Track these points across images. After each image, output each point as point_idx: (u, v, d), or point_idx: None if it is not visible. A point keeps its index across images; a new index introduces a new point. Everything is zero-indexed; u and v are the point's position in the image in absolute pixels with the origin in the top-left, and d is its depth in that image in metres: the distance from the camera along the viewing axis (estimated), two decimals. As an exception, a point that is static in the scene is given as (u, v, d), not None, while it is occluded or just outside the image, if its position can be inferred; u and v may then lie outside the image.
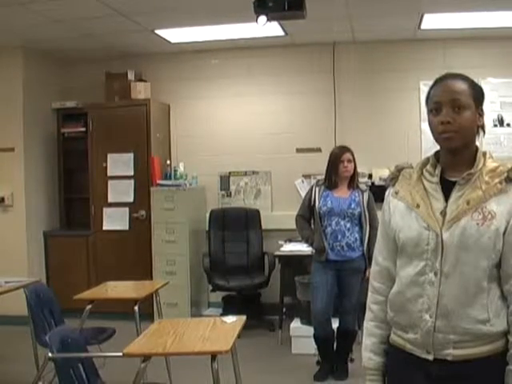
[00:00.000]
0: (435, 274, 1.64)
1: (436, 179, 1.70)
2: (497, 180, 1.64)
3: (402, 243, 1.72)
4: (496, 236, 1.61)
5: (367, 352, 1.84)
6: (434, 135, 1.69)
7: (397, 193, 1.78)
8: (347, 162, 4.23)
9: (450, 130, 1.64)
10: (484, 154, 1.70)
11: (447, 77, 1.71)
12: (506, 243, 1.61)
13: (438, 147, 1.74)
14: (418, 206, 1.70)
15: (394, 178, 1.82)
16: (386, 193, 1.84)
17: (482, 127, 1.72)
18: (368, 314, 1.87)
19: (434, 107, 1.68)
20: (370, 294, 1.88)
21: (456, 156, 1.69)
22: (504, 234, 1.61)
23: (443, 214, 1.65)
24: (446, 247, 1.63)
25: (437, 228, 1.64)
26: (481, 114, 1.70)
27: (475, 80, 1.73)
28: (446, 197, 1.67)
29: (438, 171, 1.71)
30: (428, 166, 1.74)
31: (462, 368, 1.62)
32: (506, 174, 1.64)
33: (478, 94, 1.70)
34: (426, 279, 1.66)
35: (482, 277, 1.61)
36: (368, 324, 1.86)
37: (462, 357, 1.62)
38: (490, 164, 1.68)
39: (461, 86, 1.68)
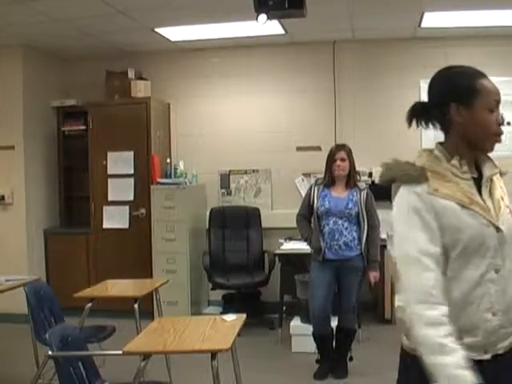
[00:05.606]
0: (496, 271, 1.60)
1: (468, 175, 1.67)
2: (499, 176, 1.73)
3: (464, 245, 1.59)
4: None
5: None
6: (483, 131, 1.64)
7: (436, 190, 1.62)
8: (340, 161, 4.25)
9: None
10: None
11: (482, 73, 1.68)
12: None
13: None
14: (470, 202, 1.62)
15: (420, 175, 1.65)
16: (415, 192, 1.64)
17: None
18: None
19: (495, 105, 1.65)
20: None
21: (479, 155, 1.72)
22: None
23: (487, 209, 1.63)
24: (505, 242, 1.62)
25: (496, 223, 1.62)
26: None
27: None
28: None
29: (466, 168, 1.67)
30: (454, 161, 1.66)
31: (510, 357, 1.63)
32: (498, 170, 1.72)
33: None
34: (488, 278, 1.60)
35: None
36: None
37: (509, 345, 1.63)
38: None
39: None
